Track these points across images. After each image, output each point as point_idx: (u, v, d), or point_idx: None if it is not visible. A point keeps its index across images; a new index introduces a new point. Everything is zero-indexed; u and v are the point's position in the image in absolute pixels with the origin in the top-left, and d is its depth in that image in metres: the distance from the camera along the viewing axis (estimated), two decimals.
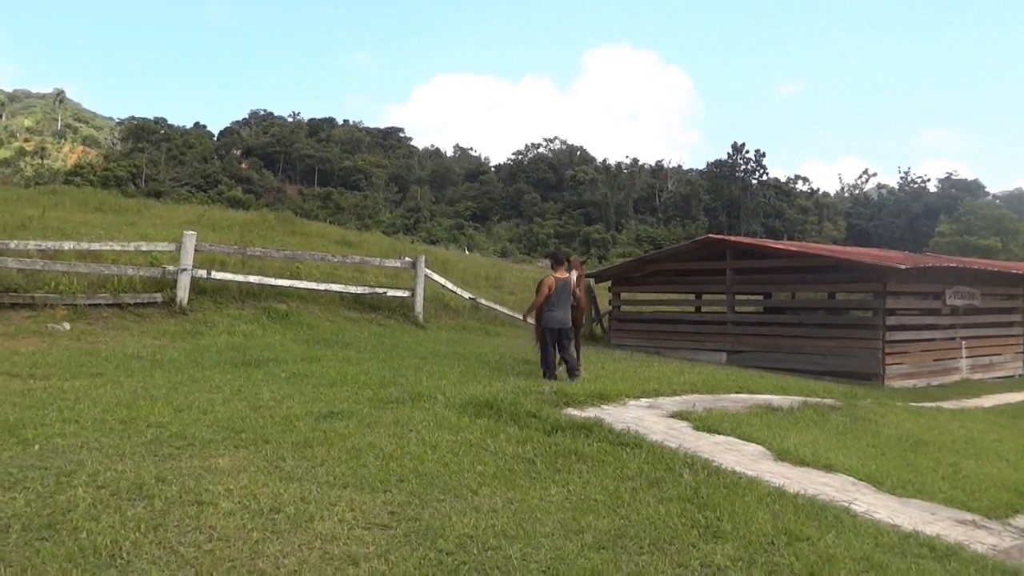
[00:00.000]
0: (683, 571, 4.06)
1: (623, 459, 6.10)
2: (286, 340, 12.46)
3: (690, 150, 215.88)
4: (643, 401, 8.97)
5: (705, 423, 7.81)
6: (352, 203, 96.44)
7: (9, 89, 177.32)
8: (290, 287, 15.02)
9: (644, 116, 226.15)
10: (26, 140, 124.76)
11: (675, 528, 4.65)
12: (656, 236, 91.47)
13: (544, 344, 10.26)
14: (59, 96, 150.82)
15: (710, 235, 22.09)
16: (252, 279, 14.47)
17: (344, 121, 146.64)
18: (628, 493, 5.29)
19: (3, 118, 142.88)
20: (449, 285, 17.63)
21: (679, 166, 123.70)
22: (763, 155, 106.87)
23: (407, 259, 17.17)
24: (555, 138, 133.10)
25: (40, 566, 3.51)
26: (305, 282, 15.36)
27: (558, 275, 10.28)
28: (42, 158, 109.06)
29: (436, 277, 17.18)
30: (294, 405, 7.33)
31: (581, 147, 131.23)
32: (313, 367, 9.83)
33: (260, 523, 4.27)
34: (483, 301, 18.49)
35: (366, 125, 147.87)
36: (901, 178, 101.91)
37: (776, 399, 9.97)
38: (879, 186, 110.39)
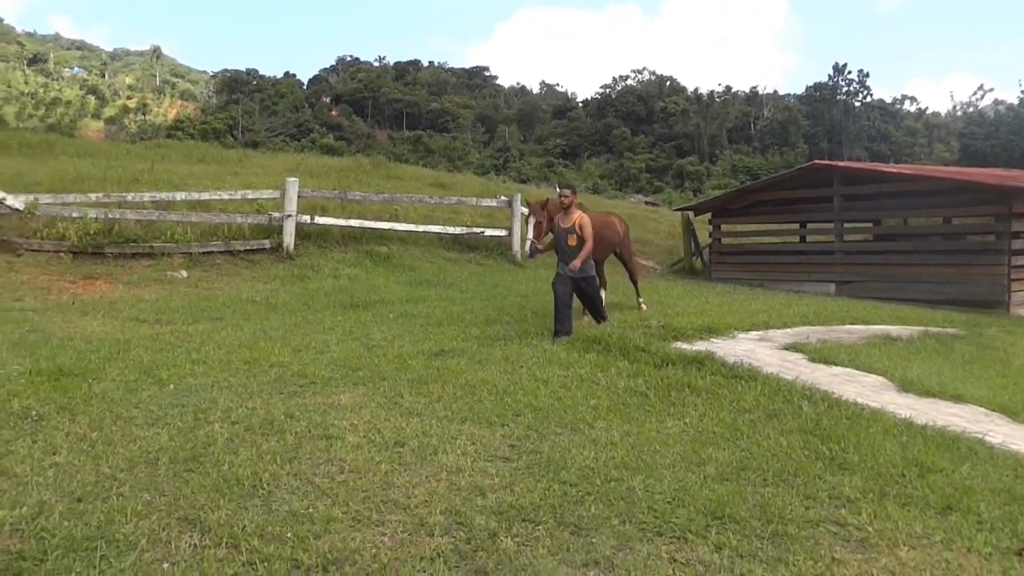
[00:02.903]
0: (811, 503, 3.97)
1: (738, 392, 6.00)
2: (389, 282, 12.71)
3: (786, 74, 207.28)
4: (753, 334, 8.77)
5: (820, 354, 7.58)
6: (441, 145, 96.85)
7: (109, 48, 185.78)
8: (390, 230, 15.24)
9: (736, 41, 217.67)
10: (128, 97, 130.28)
11: (798, 460, 4.55)
12: (752, 166, 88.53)
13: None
14: (156, 52, 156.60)
15: (815, 161, 21.13)
16: (353, 223, 14.76)
17: (429, 63, 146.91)
18: (746, 425, 5.20)
19: (106, 77, 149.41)
20: None
21: (775, 92, 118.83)
22: (866, 75, 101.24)
23: (503, 198, 17.15)
24: (643, 69, 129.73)
25: (191, 495, 3.70)
26: (404, 224, 15.55)
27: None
28: (144, 114, 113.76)
29: None
30: (405, 344, 7.49)
31: (671, 77, 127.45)
32: (419, 307, 10.00)
33: (387, 456, 4.39)
34: None
35: (451, 66, 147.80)
36: (1022, 92, 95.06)
37: (894, 329, 9.58)
38: (996, 102, 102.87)
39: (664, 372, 6.54)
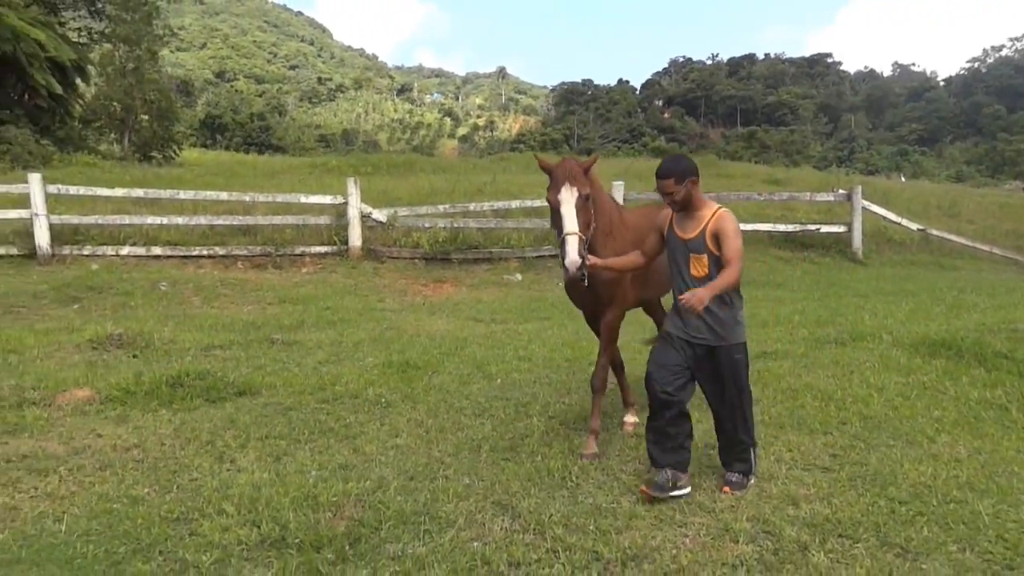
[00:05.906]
0: None
1: None
2: None
3: None
4: None
5: None
6: (778, 140, 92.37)
7: (462, 73, 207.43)
8: None
9: None
10: (478, 116, 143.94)
11: None
12: None
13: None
14: (501, 73, 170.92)
15: None
16: None
17: (765, 55, 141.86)
18: None
19: (460, 99, 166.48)
20: (892, 216, 15.99)
21: None
22: None
23: (841, 191, 15.94)
24: None
25: (505, 482, 3.95)
26: None
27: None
28: (491, 131, 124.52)
29: (876, 209, 15.69)
30: None
31: None
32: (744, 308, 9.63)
33: (695, 457, 4.29)
34: (935, 232, 16.44)
35: (788, 56, 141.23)
36: None
37: None
38: None
39: None
